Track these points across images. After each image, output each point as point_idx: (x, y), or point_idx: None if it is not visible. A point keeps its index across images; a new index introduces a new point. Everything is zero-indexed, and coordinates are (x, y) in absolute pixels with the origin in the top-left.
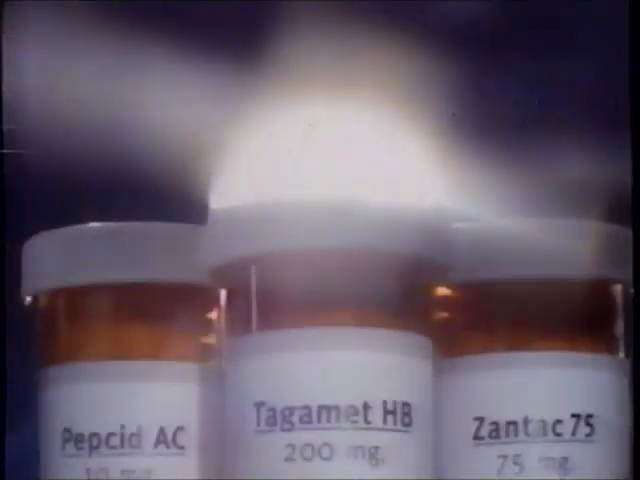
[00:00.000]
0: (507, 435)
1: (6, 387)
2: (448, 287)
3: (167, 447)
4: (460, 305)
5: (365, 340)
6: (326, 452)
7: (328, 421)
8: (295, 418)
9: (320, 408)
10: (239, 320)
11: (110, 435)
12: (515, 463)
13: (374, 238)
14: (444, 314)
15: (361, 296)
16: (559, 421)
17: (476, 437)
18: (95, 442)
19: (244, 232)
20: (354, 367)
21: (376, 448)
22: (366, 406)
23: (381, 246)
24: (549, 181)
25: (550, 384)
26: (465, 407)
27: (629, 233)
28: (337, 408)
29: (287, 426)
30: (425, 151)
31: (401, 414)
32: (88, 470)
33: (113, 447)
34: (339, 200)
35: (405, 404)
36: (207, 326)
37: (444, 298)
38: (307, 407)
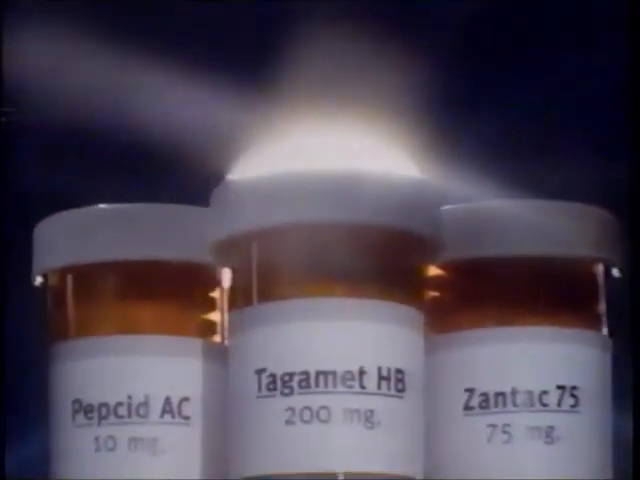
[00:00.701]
0: (496, 405)
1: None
2: (439, 266)
3: (173, 417)
4: (451, 283)
5: (360, 310)
6: (324, 415)
7: (325, 386)
8: (294, 383)
9: (318, 374)
10: (241, 293)
11: (118, 405)
12: (504, 432)
13: (369, 214)
14: (436, 293)
15: (356, 269)
16: (545, 392)
17: (467, 407)
18: (104, 412)
19: (244, 209)
20: (350, 335)
21: (371, 411)
22: (361, 372)
23: (375, 221)
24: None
25: (536, 357)
26: (456, 380)
27: (611, 216)
28: (334, 373)
29: (287, 391)
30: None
31: (395, 380)
32: (97, 439)
33: (121, 417)
34: (335, 176)
35: (398, 371)
36: (210, 304)
37: (436, 277)
38: (306, 373)
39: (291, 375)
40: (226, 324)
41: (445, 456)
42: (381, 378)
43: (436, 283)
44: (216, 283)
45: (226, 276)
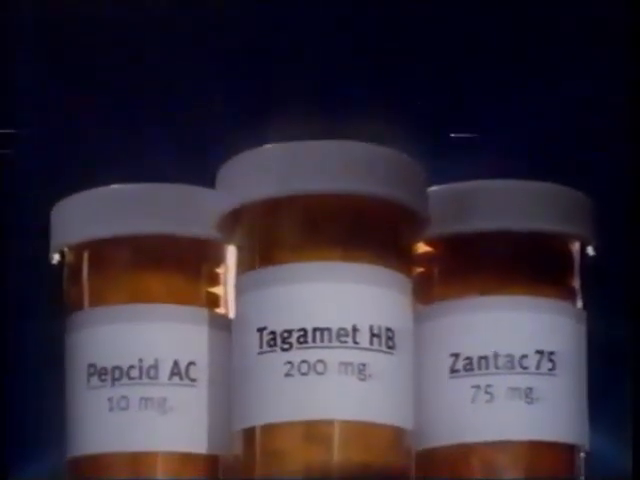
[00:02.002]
0: (479, 368)
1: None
2: (427, 243)
3: (180, 379)
4: (437, 258)
5: (354, 274)
6: (320, 368)
7: (322, 341)
8: (293, 339)
9: (315, 330)
10: (245, 262)
11: (130, 368)
12: (486, 392)
13: (364, 185)
14: (423, 267)
15: (351, 237)
16: (525, 356)
17: (452, 370)
18: (117, 374)
19: (246, 183)
20: (344, 296)
21: (364, 365)
22: (355, 329)
23: (368, 191)
24: None
25: (517, 324)
26: (442, 345)
27: (587, 198)
28: (329, 330)
29: (286, 346)
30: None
31: (385, 338)
32: (110, 399)
33: (133, 378)
34: (333, 149)
35: (389, 329)
36: (215, 278)
37: (423, 254)
38: (303, 329)
39: (290, 332)
40: (229, 297)
41: (433, 415)
42: (373, 335)
43: (424, 258)
44: (221, 260)
45: (231, 254)
